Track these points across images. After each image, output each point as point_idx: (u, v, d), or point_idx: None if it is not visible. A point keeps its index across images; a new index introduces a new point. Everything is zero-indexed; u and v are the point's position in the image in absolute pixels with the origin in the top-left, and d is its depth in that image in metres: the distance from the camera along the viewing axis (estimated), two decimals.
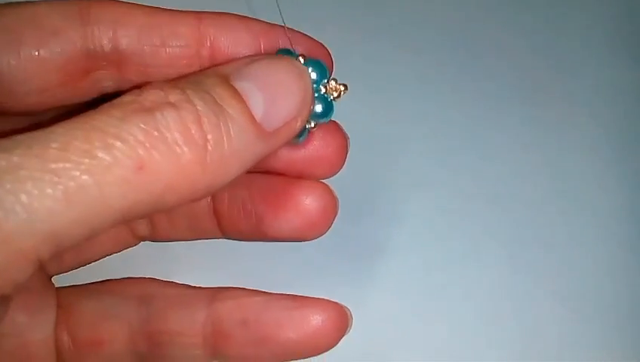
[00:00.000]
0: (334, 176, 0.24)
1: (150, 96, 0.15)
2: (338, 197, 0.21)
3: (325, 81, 0.19)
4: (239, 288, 0.21)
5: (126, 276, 0.22)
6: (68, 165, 0.13)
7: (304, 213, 0.21)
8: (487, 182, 0.28)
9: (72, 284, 0.22)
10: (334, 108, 0.19)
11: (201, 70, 0.18)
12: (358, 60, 0.31)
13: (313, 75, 0.19)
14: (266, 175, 0.21)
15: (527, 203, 0.28)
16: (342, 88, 0.19)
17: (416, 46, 0.31)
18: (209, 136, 0.15)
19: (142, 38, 0.19)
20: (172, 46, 0.19)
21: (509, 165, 0.29)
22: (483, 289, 0.26)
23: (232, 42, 0.19)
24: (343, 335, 0.21)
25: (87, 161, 0.13)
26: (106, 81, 0.19)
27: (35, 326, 0.20)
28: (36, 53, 0.18)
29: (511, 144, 0.30)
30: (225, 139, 0.15)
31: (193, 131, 0.14)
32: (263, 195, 0.21)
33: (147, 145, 0.14)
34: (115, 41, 0.18)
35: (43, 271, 0.21)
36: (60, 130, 0.14)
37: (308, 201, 0.21)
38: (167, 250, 0.25)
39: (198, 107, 0.15)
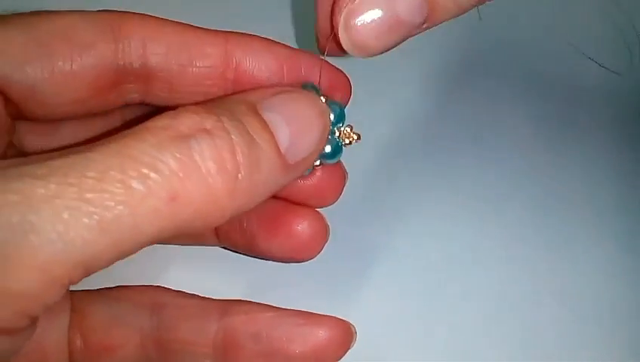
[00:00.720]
0: None
1: (186, 120, 0.15)
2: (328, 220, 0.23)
3: (341, 125, 0.20)
4: (250, 302, 0.22)
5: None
6: (104, 195, 0.14)
7: (295, 238, 0.22)
8: (487, 182, 0.29)
9: (83, 289, 0.22)
10: (342, 152, 0.20)
11: (228, 95, 0.19)
12: (359, 61, 0.31)
13: (331, 117, 0.20)
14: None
15: (527, 203, 0.28)
16: (355, 137, 0.20)
17: (416, 46, 0.32)
18: (241, 167, 0.15)
19: (170, 56, 0.19)
20: (199, 66, 0.19)
21: (509, 165, 0.29)
22: (483, 290, 0.26)
23: (257, 66, 0.20)
24: (348, 350, 0.22)
25: (122, 191, 0.14)
26: (133, 93, 0.20)
27: (50, 329, 0.21)
28: (69, 67, 0.18)
29: (511, 144, 0.30)
30: (255, 169, 0.15)
31: (227, 161, 0.15)
32: (258, 216, 0.22)
33: (181, 175, 0.14)
34: (144, 58, 0.19)
35: None
36: (96, 157, 0.14)
37: (300, 228, 0.22)
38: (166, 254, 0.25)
39: (233, 136, 0.15)
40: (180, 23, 0.20)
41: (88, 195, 0.14)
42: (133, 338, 0.21)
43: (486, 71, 0.31)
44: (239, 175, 0.15)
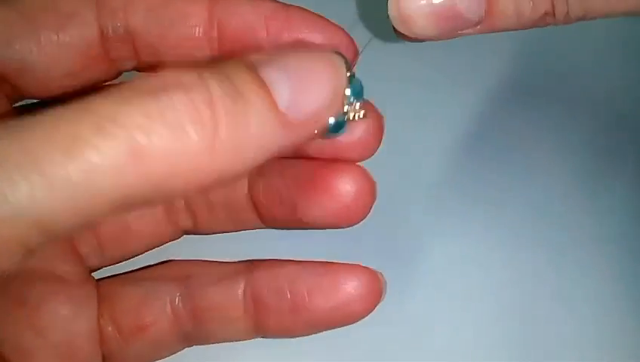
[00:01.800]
0: None
1: (162, 77, 0.14)
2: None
3: (354, 100, 0.18)
4: (272, 259, 0.21)
5: None
6: (53, 151, 0.12)
7: (338, 197, 0.20)
8: (487, 181, 0.28)
9: (108, 276, 0.22)
10: (345, 126, 0.18)
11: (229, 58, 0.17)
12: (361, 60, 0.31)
13: (347, 92, 0.18)
14: (300, 160, 0.20)
15: (527, 203, 0.28)
16: (361, 113, 0.18)
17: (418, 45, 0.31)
18: (221, 120, 0.14)
19: (150, 17, 0.19)
20: (180, 26, 0.19)
21: (509, 165, 0.29)
22: (483, 290, 0.26)
23: (241, 22, 0.19)
24: (378, 302, 0.20)
25: (74, 147, 0.12)
26: (125, 62, 0.20)
27: (78, 319, 0.21)
28: (56, 38, 0.18)
29: (512, 144, 0.29)
30: (240, 124, 0.14)
31: (202, 113, 0.13)
32: (296, 181, 0.20)
33: (146, 128, 0.13)
34: (126, 22, 0.19)
35: (81, 265, 0.22)
36: (50, 113, 0.13)
37: (341, 185, 0.20)
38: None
39: (213, 89, 0.14)
40: None
41: (37, 152, 0.12)
42: (165, 314, 0.21)
43: (488, 70, 0.30)
44: (220, 129, 0.13)
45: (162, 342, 0.21)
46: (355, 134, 0.19)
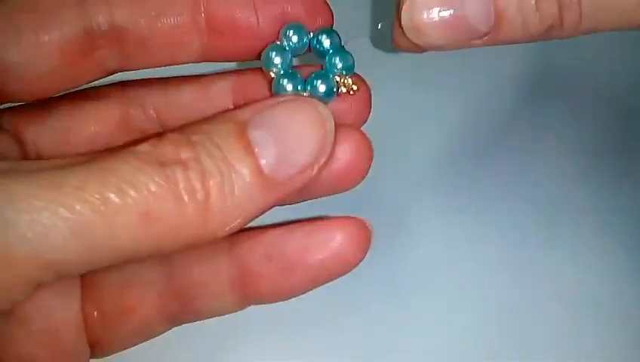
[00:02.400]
0: None
1: (165, 151, 0.16)
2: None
3: (345, 73, 0.20)
4: (252, 228, 0.22)
5: None
6: (81, 202, 0.14)
7: (338, 155, 0.20)
8: (487, 181, 0.28)
9: None
10: (334, 93, 0.20)
11: (222, 113, 0.18)
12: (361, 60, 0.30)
13: (339, 65, 0.20)
14: None
15: (527, 202, 0.28)
16: (353, 88, 0.20)
17: None
18: (212, 193, 0.16)
19: (136, 10, 0.19)
20: (167, 15, 0.19)
21: (509, 165, 0.29)
22: (483, 290, 0.26)
23: (227, 4, 0.19)
24: (368, 248, 0.21)
25: (99, 201, 0.15)
26: (109, 60, 0.20)
27: (61, 306, 0.20)
28: (35, 37, 0.18)
29: (512, 144, 0.30)
30: (227, 195, 0.16)
31: (197, 188, 0.16)
32: None
33: (157, 196, 0.15)
34: (110, 16, 0.19)
35: None
36: (79, 169, 0.15)
37: (340, 144, 0.20)
38: None
39: (205, 165, 0.16)
40: None
41: (67, 201, 0.14)
42: (150, 295, 0.21)
43: (488, 70, 0.31)
44: (210, 201, 0.16)
45: (149, 324, 0.21)
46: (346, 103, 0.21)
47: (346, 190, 0.21)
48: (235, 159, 0.16)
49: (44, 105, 0.20)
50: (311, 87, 0.20)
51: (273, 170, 0.17)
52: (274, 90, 0.20)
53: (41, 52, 0.18)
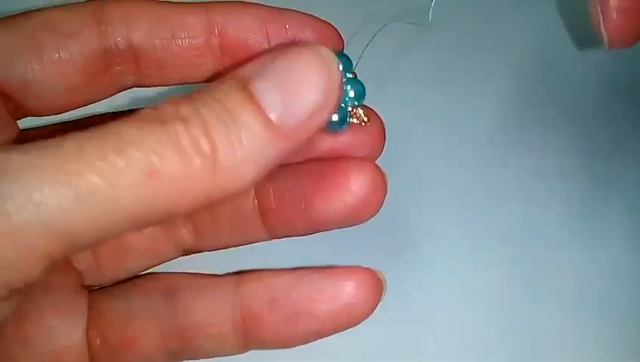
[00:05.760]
0: None
1: (164, 110, 0.15)
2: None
3: (356, 103, 0.20)
4: (263, 269, 0.21)
5: None
6: (81, 166, 0.14)
7: (352, 189, 0.20)
8: (487, 181, 0.28)
9: (100, 287, 0.22)
10: (346, 123, 0.20)
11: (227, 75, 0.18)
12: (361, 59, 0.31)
13: (351, 93, 0.19)
14: (312, 162, 0.21)
15: (527, 202, 0.28)
16: (364, 120, 0.20)
17: (418, 45, 0.31)
18: (218, 145, 0.15)
19: (152, 32, 0.19)
20: (182, 37, 0.19)
21: (509, 165, 0.29)
22: (482, 290, 0.26)
23: (239, 28, 0.20)
24: (379, 301, 0.20)
25: (100, 163, 0.14)
26: (126, 77, 0.20)
27: (66, 330, 0.20)
28: (57, 56, 0.18)
29: (511, 143, 0.29)
30: (235, 145, 0.15)
31: (201, 142, 0.15)
32: (308, 180, 0.21)
33: (159, 153, 0.14)
34: (127, 37, 0.19)
35: (73, 274, 0.22)
36: (78, 135, 0.14)
37: (354, 178, 0.20)
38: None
39: (207, 119, 0.15)
40: (161, 0, 0.20)
41: (66, 166, 0.14)
42: (152, 329, 0.21)
43: (488, 70, 0.31)
44: (218, 154, 0.15)
45: (149, 358, 0.21)
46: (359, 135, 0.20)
47: (360, 223, 0.21)
48: (239, 110, 0.16)
49: None
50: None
51: (281, 117, 0.16)
52: None
53: (61, 70, 0.19)
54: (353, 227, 0.24)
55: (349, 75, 0.20)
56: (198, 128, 0.15)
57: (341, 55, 0.20)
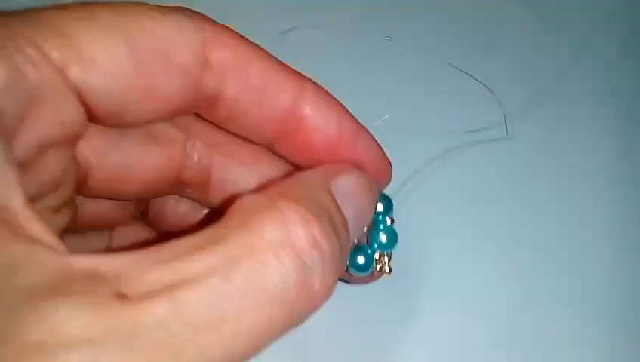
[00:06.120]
0: None
1: (300, 234, 0.15)
2: None
3: (381, 251, 0.22)
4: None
5: None
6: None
7: None
8: (487, 182, 0.29)
9: None
10: (371, 268, 0.22)
11: (303, 176, 0.19)
12: (360, 59, 0.32)
13: (383, 239, 0.22)
14: None
15: (527, 202, 0.28)
16: (386, 271, 0.22)
17: (418, 44, 0.32)
18: (335, 274, 0.16)
19: (244, 93, 0.19)
20: (266, 109, 0.19)
21: (508, 165, 0.29)
22: (482, 290, 0.26)
23: (320, 129, 0.20)
24: None
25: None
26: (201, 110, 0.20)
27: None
28: (161, 93, 0.18)
29: (510, 142, 0.30)
30: (340, 272, 0.17)
31: (327, 278, 0.16)
32: None
33: (298, 292, 0.15)
34: (220, 85, 0.19)
35: None
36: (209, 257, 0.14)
37: None
38: None
39: (333, 250, 0.16)
40: (265, 54, 0.19)
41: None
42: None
43: (488, 70, 0.31)
44: (332, 282, 0.16)
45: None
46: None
47: None
48: (340, 235, 0.17)
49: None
50: (351, 258, 0.21)
51: (352, 237, 0.19)
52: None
53: (158, 102, 0.18)
54: None
55: (387, 220, 0.22)
56: (332, 266, 0.16)
57: (383, 197, 0.22)
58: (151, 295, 0.12)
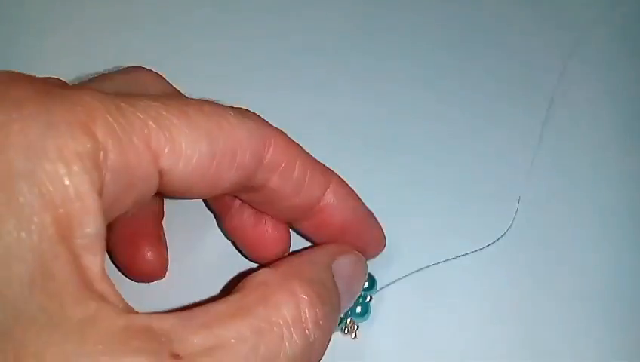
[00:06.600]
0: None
1: (308, 312, 0.19)
2: None
3: (349, 317, 0.26)
4: None
5: None
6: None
7: None
8: (486, 182, 0.29)
9: None
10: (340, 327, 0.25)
11: (309, 255, 0.23)
12: (360, 58, 0.32)
13: (358, 310, 0.25)
14: None
15: (527, 202, 0.28)
16: (353, 336, 0.26)
17: (417, 43, 0.33)
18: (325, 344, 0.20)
19: (285, 188, 0.22)
20: (300, 198, 0.23)
21: (508, 165, 0.29)
22: (481, 290, 0.26)
23: (338, 218, 0.24)
24: None
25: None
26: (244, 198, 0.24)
27: None
28: (221, 185, 0.20)
29: (508, 142, 0.30)
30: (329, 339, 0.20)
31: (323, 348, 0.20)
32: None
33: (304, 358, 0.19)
34: (267, 181, 0.22)
35: None
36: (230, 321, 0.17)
37: None
38: None
39: (331, 325, 0.20)
40: (305, 153, 0.22)
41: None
42: None
43: (487, 70, 0.32)
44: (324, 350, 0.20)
45: None
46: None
47: None
48: (337, 312, 0.21)
49: None
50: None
51: (343, 308, 0.22)
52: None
53: (211, 188, 0.20)
54: None
55: (367, 296, 0.26)
56: (325, 338, 0.20)
57: (370, 277, 0.26)
58: (199, 355, 0.16)
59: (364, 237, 0.24)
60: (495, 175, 0.29)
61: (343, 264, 0.23)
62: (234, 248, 0.27)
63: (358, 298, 0.25)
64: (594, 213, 0.29)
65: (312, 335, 0.18)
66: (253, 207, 0.24)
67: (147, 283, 0.25)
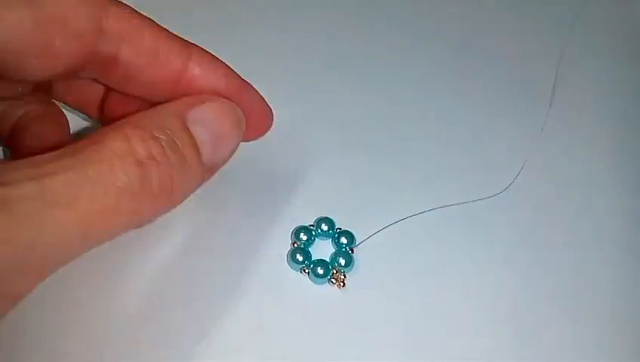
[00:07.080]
0: (332, 176, 0.28)
1: (138, 148, 0.19)
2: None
3: (335, 266, 0.25)
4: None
5: None
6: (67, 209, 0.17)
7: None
8: (486, 182, 0.29)
9: None
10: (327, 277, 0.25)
11: (160, 106, 0.22)
12: (358, 58, 0.33)
13: (342, 262, 0.26)
14: None
15: (526, 202, 0.28)
16: (341, 285, 0.25)
17: (415, 43, 0.33)
18: (175, 184, 0.20)
19: (138, 58, 0.22)
20: (158, 71, 0.22)
21: (508, 166, 0.29)
22: (481, 292, 0.26)
23: (208, 87, 0.23)
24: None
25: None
26: (94, 73, 0.22)
27: None
28: (57, 52, 0.20)
29: (507, 142, 0.30)
30: (185, 186, 0.20)
31: (167, 185, 0.19)
32: None
33: (135, 193, 0.18)
34: (115, 53, 0.21)
35: None
36: (61, 177, 0.17)
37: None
38: None
39: (172, 161, 0.20)
40: (155, 24, 0.22)
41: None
42: None
43: (486, 69, 0.32)
44: (174, 191, 0.20)
45: None
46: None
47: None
48: (187, 153, 0.20)
49: None
50: (312, 266, 0.25)
51: (209, 161, 0.21)
52: (289, 256, 0.26)
53: (53, 60, 0.20)
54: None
55: (349, 249, 0.26)
56: (166, 173, 0.19)
57: (347, 232, 0.26)
58: (19, 180, 0.16)
59: (242, 107, 0.23)
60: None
61: (203, 110, 0.22)
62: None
63: (341, 250, 0.26)
64: (593, 212, 0.29)
65: (147, 168, 0.18)
66: (118, 91, 0.23)
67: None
